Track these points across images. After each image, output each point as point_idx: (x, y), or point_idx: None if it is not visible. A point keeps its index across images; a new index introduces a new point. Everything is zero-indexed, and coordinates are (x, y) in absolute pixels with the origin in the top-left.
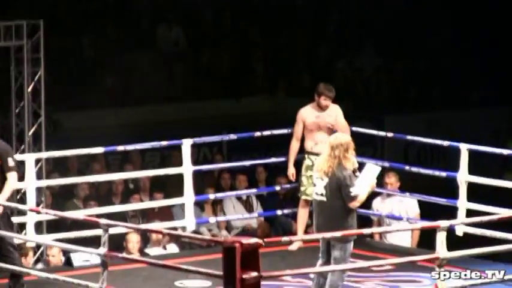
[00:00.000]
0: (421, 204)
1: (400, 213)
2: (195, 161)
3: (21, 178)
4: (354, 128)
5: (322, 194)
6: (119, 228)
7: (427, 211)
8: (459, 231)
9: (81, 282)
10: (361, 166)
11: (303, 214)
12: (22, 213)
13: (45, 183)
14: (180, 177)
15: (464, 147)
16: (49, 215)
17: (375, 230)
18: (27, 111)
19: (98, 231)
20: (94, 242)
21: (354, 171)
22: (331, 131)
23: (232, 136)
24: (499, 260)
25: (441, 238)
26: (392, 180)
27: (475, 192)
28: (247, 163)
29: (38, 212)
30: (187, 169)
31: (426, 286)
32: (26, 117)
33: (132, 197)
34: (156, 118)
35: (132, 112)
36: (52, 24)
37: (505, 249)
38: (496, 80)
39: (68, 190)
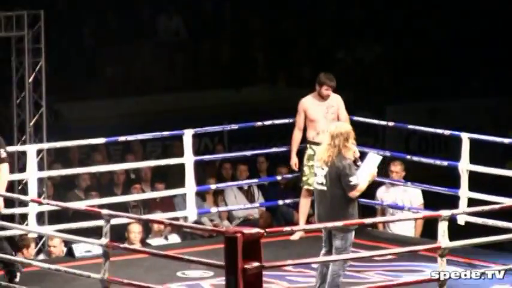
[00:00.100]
0: (423, 194)
1: (403, 203)
2: (196, 151)
3: (22, 169)
4: (355, 118)
5: (322, 184)
6: (120, 219)
7: (429, 201)
8: (461, 220)
9: (83, 273)
10: (363, 155)
11: (304, 204)
12: (24, 204)
13: (46, 173)
14: (181, 168)
15: (465, 136)
16: (51, 205)
17: (376, 219)
18: (28, 102)
19: (99, 222)
20: (96, 232)
21: (355, 161)
22: (333, 120)
23: (233, 126)
24: (501, 249)
25: (443, 228)
26: (398, 168)
27: (477, 182)
28: (248, 153)
29: (40, 203)
30: (188, 159)
31: (428, 276)
32: (27, 107)
33: (133, 187)
34: (157, 108)
35: (133, 102)
36: (53, 15)
37: (507, 238)
38: (497, 69)
39: (69, 181)
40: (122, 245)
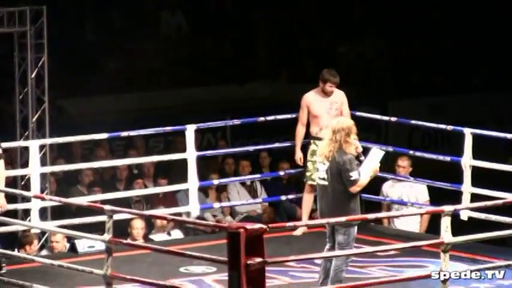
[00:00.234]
0: (428, 190)
1: (409, 199)
2: (199, 147)
3: (25, 164)
4: (357, 113)
5: (324, 179)
6: (123, 214)
7: (432, 196)
8: (464, 216)
9: (86, 269)
10: (366, 151)
11: (308, 199)
12: (26, 199)
13: (49, 169)
14: (184, 163)
15: (468, 132)
16: (53, 201)
17: (379, 215)
18: (31, 98)
19: (102, 218)
20: (98, 228)
21: (358, 156)
22: (336, 116)
23: (236, 121)
24: (504, 244)
25: (446, 223)
26: (405, 163)
27: (480, 177)
28: (251, 148)
29: (43, 199)
30: (191, 154)
31: (431, 271)
32: (30, 103)
33: (135, 182)
34: (159, 103)
35: (135, 97)
36: (55, 10)
37: (510, 233)
38: (498, 65)
39: (72, 176)
40: (124, 241)
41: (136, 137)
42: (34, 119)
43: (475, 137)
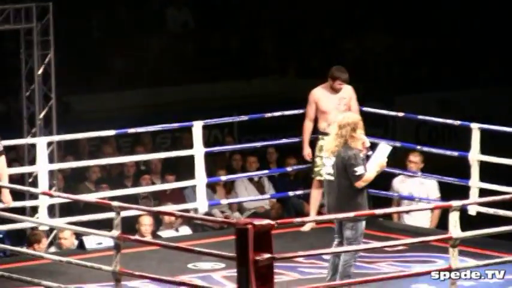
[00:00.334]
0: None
1: (420, 195)
2: (206, 143)
3: (32, 161)
4: (365, 109)
5: (330, 174)
6: (131, 211)
7: (441, 192)
8: (472, 211)
9: (94, 265)
10: (374, 146)
11: (316, 195)
12: (34, 196)
13: (56, 166)
14: (191, 159)
15: (475, 127)
16: (61, 198)
17: (387, 210)
18: (38, 94)
19: (110, 214)
20: (106, 224)
21: (366, 151)
22: (345, 111)
23: (243, 117)
24: None
25: (454, 218)
26: (417, 159)
27: (488, 172)
28: (258, 144)
29: (51, 196)
30: (198, 151)
31: (440, 266)
32: (37, 100)
33: (142, 178)
34: (166, 100)
35: (142, 94)
36: (61, 6)
37: None
38: (506, 59)
39: (79, 173)
40: (133, 237)
41: (143, 134)
42: (41, 116)
43: (484, 131)
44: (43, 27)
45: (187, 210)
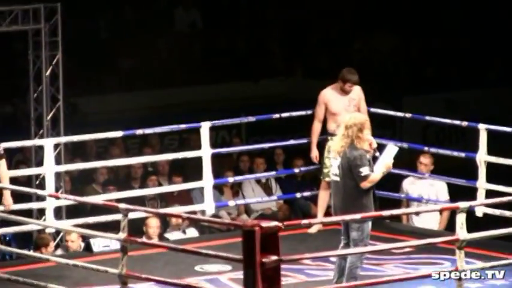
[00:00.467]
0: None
1: (429, 197)
2: (214, 144)
3: (39, 163)
4: (372, 109)
5: (336, 174)
6: (138, 213)
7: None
8: (479, 212)
9: (101, 268)
10: (382, 147)
11: (324, 196)
12: (41, 198)
13: (64, 168)
14: (198, 161)
15: (482, 127)
16: (68, 200)
17: (394, 211)
18: (46, 96)
19: (117, 216)
20: (114, 227)
21: (373, 152)
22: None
23: (251, 118)
24: None
25: (461, 220)
26: (427, 161)
27: (495, 173)
28: (266, 145)
29: (57, 198)
30: (206, 152)
31: (447, 268)
32: (44, 101)
33: (149, 179)
34: (174, 101)
35: (150, 95)
36: (69, 7)
37: None
38: None
39: (86, 175)
40: (139, 240)
41: (151, 135)
42: (49, 117)
43: (491, 132)
44: (51, 28)
45: (194, 212)
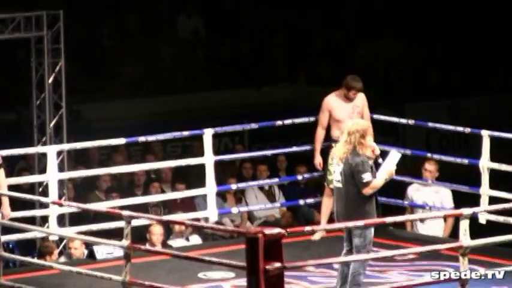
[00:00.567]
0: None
1: (434, 204)
2: (217, 151)
3: (42, 170)
4: (375, 116)
5: (339, 181)
6: (141, 220)
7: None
8: (482, 219)
9: (104, 275)
10: (385, 153)
11: (327, 203)
12: (44, 206)
13: (67, 175)
14: (201, 168)
15: (485, 134)
16: (71, 207)
17: (397, 218)
18: (48, 103)
19: (120, 223)
20: (117, 234)
21: (376, 158)
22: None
23: (253, 125)
24: None
25: (464, 226)
26: (432, 168)
27: (498, 179)
28: (269, 152)
29: (61, 205)
30: (208, 159)
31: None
32: (47, 108)
33: (152, 186)
34: (176, 108)
35: (152, 102)
36: (71, 15)
37: None
38: None
39: (89, 182)
40: (143, 247)
41: (153, 142)
42: (52, 124)
43: (493, 139)
44: (53, 36)
45: (197, 219)
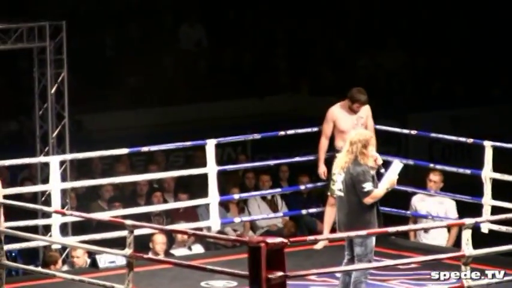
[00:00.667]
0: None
1: (438, 215)
2: (219, 161)
3: (45, 180)
4: (378, 126)
5: (340, 190)
6: (144, 229)
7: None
8: (484, 228)
9: (107, 284)
10: (387, 164)
11: (330, 212)
12: (47, 215)
13: (69, 185)
14: (204, 178)
15: (488, 144)
16: (74, 216)
17: (399, 228)
18: (51, 113)
19: (123, 233)
20: (119, 243)
21: (378, 168)
22: None
23: (256, 135)
24: None
25: (466, 236)
26: (437, 178)
27: (501, 190)
28: (272, 162)
29: (63, 214)
30: (211, 169)
31: (454, 284)
32: (50, 119)
33: (154, 195)
34: (179, 118)
35: (155, 112)
36: (74, 25)
37: None
38: None
39: (92, 192)
40: (145, 256)
41: (156, 152)
42: (54, 134)
43: (496, 149)
44: (56, 46)
45: (200, 229)
